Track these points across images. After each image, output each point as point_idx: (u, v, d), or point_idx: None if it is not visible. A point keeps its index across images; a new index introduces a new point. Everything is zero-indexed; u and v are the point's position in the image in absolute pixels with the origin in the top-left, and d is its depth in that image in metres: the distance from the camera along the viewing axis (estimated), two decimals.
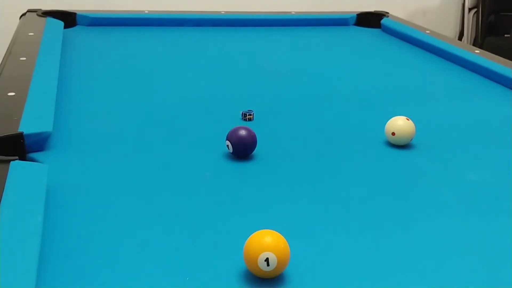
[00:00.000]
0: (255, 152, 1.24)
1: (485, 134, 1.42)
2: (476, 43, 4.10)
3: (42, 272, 0.79)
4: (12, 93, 1.38)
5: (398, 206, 1.07)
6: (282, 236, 0.84)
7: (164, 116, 1.48)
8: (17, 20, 2.30)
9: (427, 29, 2.39)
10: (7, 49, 1.79)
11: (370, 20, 2.61)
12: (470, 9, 4.24)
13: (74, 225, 0.95)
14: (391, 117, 1.34)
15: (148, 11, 2.53)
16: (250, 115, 1.45)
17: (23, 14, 2.33)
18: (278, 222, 0.98)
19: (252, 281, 0.82)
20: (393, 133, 1.31)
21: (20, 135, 1.16)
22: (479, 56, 2.00)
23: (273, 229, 0.85)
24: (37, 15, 2.29)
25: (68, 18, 2.32)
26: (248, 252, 0.82)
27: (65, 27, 2.23)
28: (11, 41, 1.89)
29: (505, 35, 3.97)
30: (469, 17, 4.25)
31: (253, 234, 0.84)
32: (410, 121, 1.32)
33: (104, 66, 1.90)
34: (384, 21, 2.56)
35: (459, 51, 2.07)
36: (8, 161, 1.04)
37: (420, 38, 2.28)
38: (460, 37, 4.28)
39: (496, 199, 1.11)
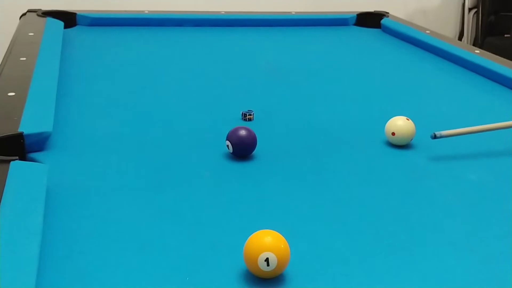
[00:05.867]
0: (255, 152, 1.24)
1: (485, 134, 1.42)
2: (476, 43, 4.10)
3: (42, 272, 0.79)
4: (12, 93, 1.38)
5: (398, 206, 1.07)
6: (282, 236, 0.84)
7: (164, 116, 1.48)
8: (17, 20, 2.30)
9: (427, 29, 2.39)
10: (7, 49, 1.79)
11: (370, 20, 2.61)
12: (470, 9, 4.24)
13: (74, 225, 0.95)
14: (391, 117, 1.34)
15: (148, 11, 2.53)
16: (250, 115, 1.45)
17: (23, 14, 2.33)
18: (278, 222, 0.98)
19: (252, 281, 0.82)
20: (393, 133, 1.31)
21: (20, 135, 1.16)
22: (479, 56, 2.00)
23: (273, 229, 0.85)
24: (37, 15, 2.29)
25: (68, 18, 2.32)
26: (248, 252, 0.82)
27: (65, 27, 2.23)
28: (11, 41, 1.89)
29: (505, 35, 3.97)
30: (469, 17, 4.25)
31: (253, 234, 0.84)
32: (410, 121, 1.32)
33: (104, 66, 1.90)
34: (384, 21, 2.56)
35: (459, 51, 2.07)
36: (8, 161, 1.04)
37: (420, 38, 2.28)
38: (460, 37, 4.28)
39: (496, 199, 1.11)
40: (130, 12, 2.53)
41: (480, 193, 1.13)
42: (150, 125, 1.42)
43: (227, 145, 1.22)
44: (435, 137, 1.23)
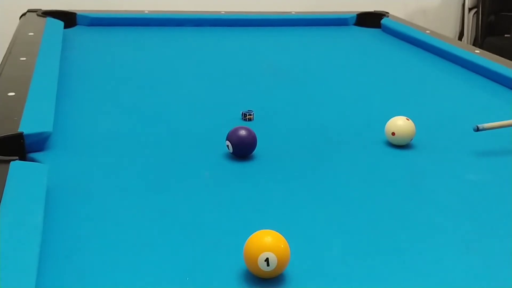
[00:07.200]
0: (255, 152, 1.24)
1: (485, 134, 1.42)
2: (476, 43, 4.10)
3: (42, 272, 0.79)
4: (12, 93, 1.38)
5: (398, 206, 1.07)
6: (282, 236, 0.84)
7: (164, 116, 1.48)
8: (17, 20, 2.30)
9: (427, 29, 2.39)
10: (7, 49, 1.79)
11: (370, 20, 2.61)
12: (470, 9, 4.24)
13: (74, 225, 0.95)
14: (391, 117, 1.34)
15: (148, 11, 2.53)
16: (250, 115, 1.45)
17: (23, 14, 2.33)
18: (278, 222, 0.98)
19: (252, 281, 0.82)
20: (393, 133, 1.31)
21: (20, 135, 1.16)
22: (479, 56, 2.00)
23: (273, 229, 0.85)
24: (37, 15, 2.29)
25: (68, 18, 2.32)
26: (248, 252, 0.82)
27: (65, 27, 2.23)
28: (11, 41, 1.89)
29: (505, 35, 3.97)
30: (469, 17, 4.25)
31: (253, 234, 0.84)
32: (410, 121, 1.32)
33: (104, 66, 1.90)
34: (384, 21, 2.56)
35: (459, 51, 2.07)
36: (8, 161, 1.04)
37: (420, 38, 2.28)
38: (460, 37, 4.28)
39: (496, 199, 1.11)
40: (130, 12, 2.53)
41: (480, 193, 1.13)
42: (150, 125, 1.42)
43: (227, 145, 1.22)
44: (477, 129, 1.23)
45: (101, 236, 0.93)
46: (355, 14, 2.64)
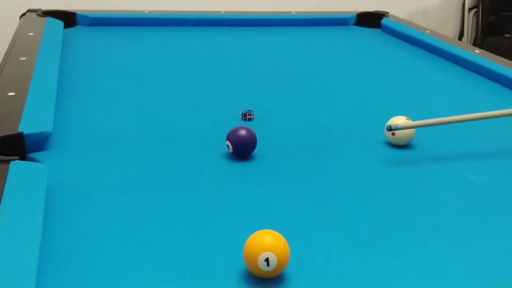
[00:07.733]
0: (255, 152, 1.24)
1: (485, 134, 1.42)
2: (476, 43, 4.11)
3: (42, 272, 0.79)
4: (12, 93, 1.38)
5: (398, 206, 1.07)
6: (282, 236, 0.84)
7: (164, 116, 1.48)
8: (17, 20, 2.30)
9: (427, 29, 2.39)
10: (7, 49, 1.79)
11: (370, 20, 2.61)
12: (470, 9, 4.24)
13: (74, 225, 0.95)
14: (391, 117, 1.34)
15: (148, 11, 2.53)
16: (250, 115, 1.45)
17: (23, 14, 2.34)
18: (278, 222, 0.98)
19: (252, 281, 0.82)
20: (393, 133, 1.31)
21: (20, 135, 1.16)
22: (479, 56, 2.00)
23: (273, 229, 0.85)
24: (37, 15, 2.29)
25: (68, 18, 2.32)
26: (248, 252, 0.82)
27: (65, 27, 2.23)
28: (11, 41, 1.89)
29: (505, 35, 3.97)
30: (469, 17, 4.26)
31: (253, 234, 0.84)
32: (410, 121, 1.32)
33: (104, 66, 1.90)
34: (384, 21, 2.56)
35: (459, 51, 2.07)
36: (8, 161, 1.04)
37: (420, 38, 2.28)
38: (460, 37, 4.28)
39: (496, 199, 1.11)
40: (130, 12, 2.53)
41: (480, 193, 1.13)
42: (150, 125, 1.42)
43: (227, 145, 1.22)
44: (390, 129, 1.23)
45: (101, 236, 0.93)
46: (355, 14, 2.64)
